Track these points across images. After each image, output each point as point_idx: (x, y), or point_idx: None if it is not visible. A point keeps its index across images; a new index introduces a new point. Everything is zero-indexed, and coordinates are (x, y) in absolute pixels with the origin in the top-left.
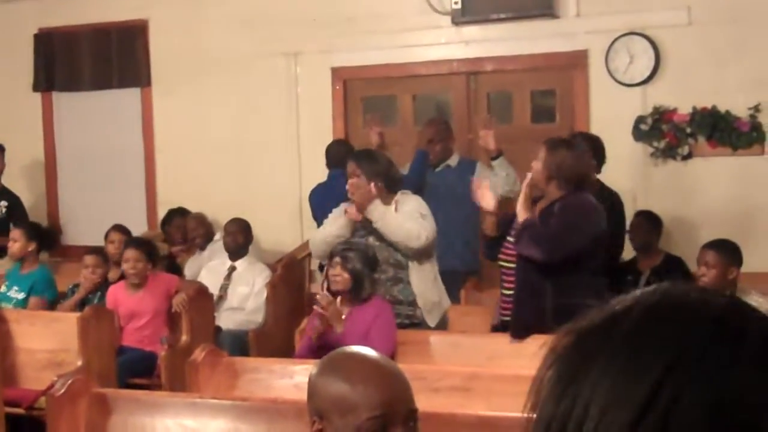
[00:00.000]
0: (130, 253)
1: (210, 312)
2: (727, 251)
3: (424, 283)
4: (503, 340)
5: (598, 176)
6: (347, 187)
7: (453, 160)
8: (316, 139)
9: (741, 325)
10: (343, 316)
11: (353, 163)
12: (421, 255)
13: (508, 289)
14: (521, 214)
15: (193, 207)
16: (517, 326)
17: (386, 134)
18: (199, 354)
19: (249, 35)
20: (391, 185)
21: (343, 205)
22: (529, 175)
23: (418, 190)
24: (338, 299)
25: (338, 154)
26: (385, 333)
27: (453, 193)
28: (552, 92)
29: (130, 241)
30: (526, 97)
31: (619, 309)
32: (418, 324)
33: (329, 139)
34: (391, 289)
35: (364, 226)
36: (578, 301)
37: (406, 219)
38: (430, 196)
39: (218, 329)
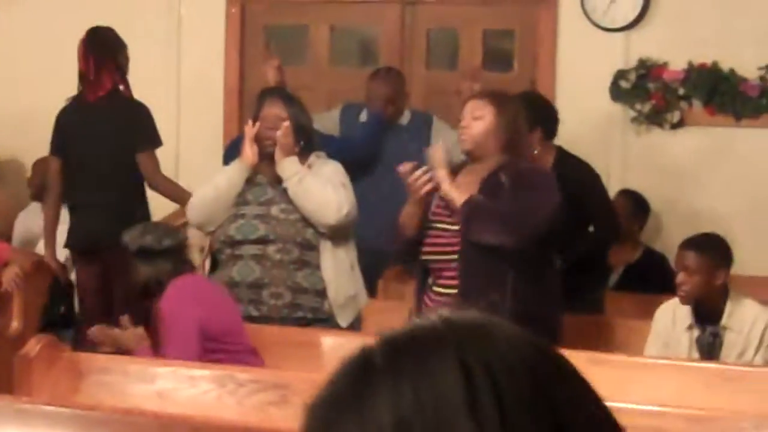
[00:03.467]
0: None
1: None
2: (712, 251)
3: (339, 271)
4: None
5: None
6: (278, 127)
7: (404, 118)
8: (202, 79)
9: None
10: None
11: (280, 103)
12: (337, 235)
13: (444, 286)
14: (454, 192)
15: (31, 156)
16: None
17: (294, 74)
18: (32, 346)
19: None
20: (309, 144)
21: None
22: (440, 146)
23: (370, 162)
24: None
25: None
26: (173, 336)
27: (404, 155)
28: (510, 33)
29: None
30: (476, 38)
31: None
32: (325, 320)
33: (218, 79)
34: (294, 274)
35: (264, 191)
36: (544, 295)
37: (326, 185)
38: (374, 161)
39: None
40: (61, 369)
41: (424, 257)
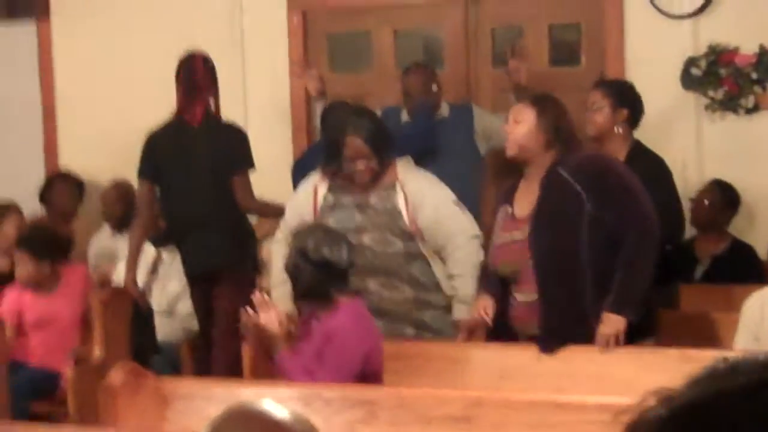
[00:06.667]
0: (21, 257)
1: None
2: None
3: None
4: (522, 353)
5: (635, 134)
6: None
7: (444, 110)
8: (268, 90)
9: None
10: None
11: (358, 139)
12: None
13: (523, 292)
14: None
15: (107, 177)
16: (549, 336)
17: (360, 81)
18: (116, 375)
19: None
20: (383, 153)
21: (312, 179)
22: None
23: (428, 153)
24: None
25: (337, 118)
26: (336, 362)
27: (449, 148)
28: (576, 26)
29: (23, 239)
30: (542, 33)
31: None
32: None
33: (284, 89)
34: (420, 313)
35: (351, 216)
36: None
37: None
38: (425, 156)
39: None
40: (146, 396)
41: (502, 268)
